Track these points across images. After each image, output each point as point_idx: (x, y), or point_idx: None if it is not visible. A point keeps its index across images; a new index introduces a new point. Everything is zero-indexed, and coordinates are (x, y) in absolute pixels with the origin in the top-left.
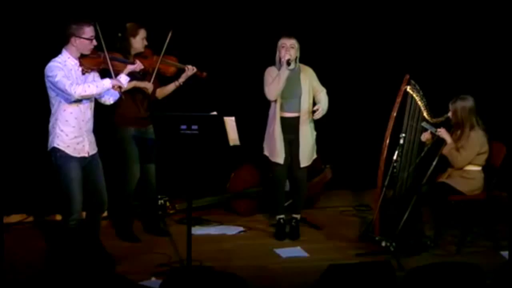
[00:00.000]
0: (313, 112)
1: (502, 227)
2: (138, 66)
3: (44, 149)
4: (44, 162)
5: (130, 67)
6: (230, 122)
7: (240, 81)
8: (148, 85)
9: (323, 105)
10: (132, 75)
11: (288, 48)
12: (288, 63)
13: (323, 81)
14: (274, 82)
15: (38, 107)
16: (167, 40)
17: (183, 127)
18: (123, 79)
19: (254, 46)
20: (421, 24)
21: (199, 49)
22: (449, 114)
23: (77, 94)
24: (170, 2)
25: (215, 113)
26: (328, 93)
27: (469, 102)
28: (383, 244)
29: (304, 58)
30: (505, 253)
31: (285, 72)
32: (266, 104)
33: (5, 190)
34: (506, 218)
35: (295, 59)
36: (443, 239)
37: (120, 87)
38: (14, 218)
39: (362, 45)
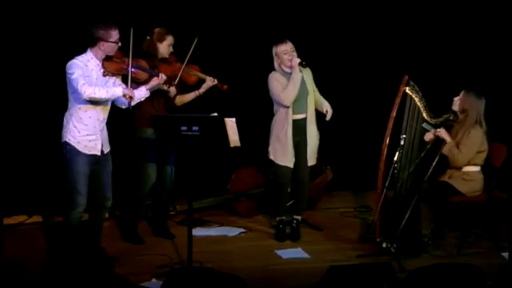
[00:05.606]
0: (322, 114)
1: (503, 228)
2: (161, 79)
3: (46, 150)
4: (45, 164)
5: (153, 82)
6: (230, 123)
7: (240, 83)
8: (171, 90)
9: (328, 106)
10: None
11: (290, 52)
12: (303, 65)
13: (322, 82)
14: (289, 87)
15: (40, 107)
16: (192, 48)
17: (184, 128)
18: (143, 92)
19: (254, 47)
20: (420, 24)
21: (199, 50)
22: (456, 99)
23: (85, 95)
24: (171, 5)
25: (215, 114)
26: (328, 95)
27: (480, 100)
28: (384, 245)
29: (304, 59)
30: (505, 254)
31: (299, 76)
32: (266, 105)
33: (6, 191)
34: (506, 219)
35: None
36: (444, 240)
37: (131, 97)
38: (15, 219)
39: (361, 46)
